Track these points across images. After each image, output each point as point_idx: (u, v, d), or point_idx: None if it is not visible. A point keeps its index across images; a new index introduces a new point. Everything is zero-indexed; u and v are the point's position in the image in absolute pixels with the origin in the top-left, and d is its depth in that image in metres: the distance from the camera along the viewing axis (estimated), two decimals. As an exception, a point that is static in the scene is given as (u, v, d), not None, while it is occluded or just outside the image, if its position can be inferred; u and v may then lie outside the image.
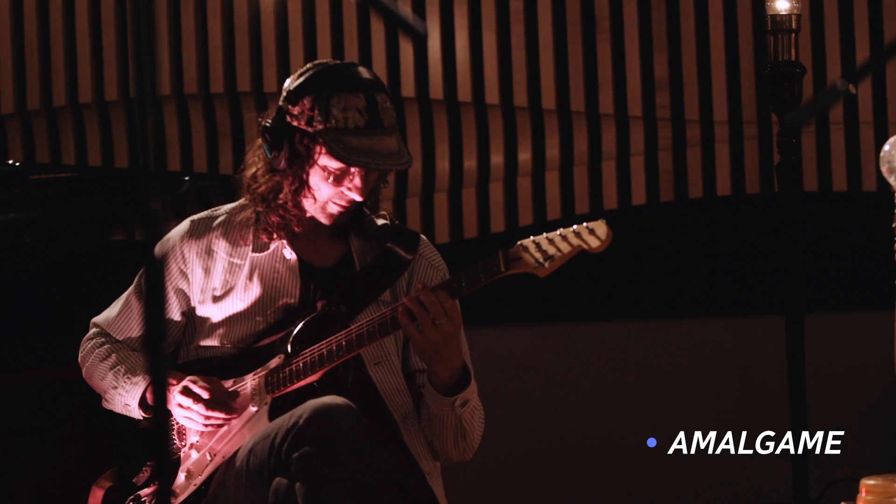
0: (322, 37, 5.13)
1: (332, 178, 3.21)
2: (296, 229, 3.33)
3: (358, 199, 3.24)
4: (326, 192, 3.24)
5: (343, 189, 3.22)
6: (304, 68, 3.27)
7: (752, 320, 5.04)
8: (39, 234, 4.47)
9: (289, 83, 3.26)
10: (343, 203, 3.25)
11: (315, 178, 3.23)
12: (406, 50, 5.09)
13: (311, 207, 3.28)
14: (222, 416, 3.24)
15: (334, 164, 3.19)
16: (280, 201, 3.27)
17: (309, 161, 3.21)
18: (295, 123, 3.21)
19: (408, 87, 5.11)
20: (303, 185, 3.24)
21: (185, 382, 3.25)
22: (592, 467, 5.06)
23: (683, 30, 5.06)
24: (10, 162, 4.90)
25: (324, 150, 3.18)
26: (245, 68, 5.15)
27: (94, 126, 5.23)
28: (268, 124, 3.25)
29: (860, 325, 4.98)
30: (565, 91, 5.09)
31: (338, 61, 3.29)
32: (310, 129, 3.18)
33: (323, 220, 3.29)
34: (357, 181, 3.21)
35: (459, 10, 5.09)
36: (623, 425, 5.06)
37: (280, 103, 3.25)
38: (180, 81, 5.17)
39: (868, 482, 3.53)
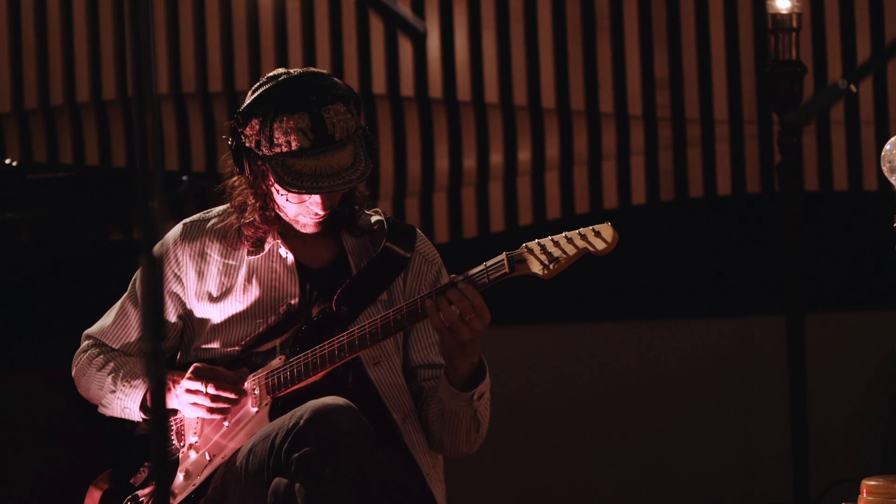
0: (320, 35, 5.12)
1: (292, 198, 3.21)
2: (286, 229, 3.32)
3: (321, 213, 3.23)
4: (292, 209, 3.25)
5: (307, 205, 3.22)
6: (257, 83, 3.25)
7: (753, 320, 5.03)
8: (37, 234, 4.46)
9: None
10: (311, 218, 3.25)
11: (279, 198, 3.24)
12: (405, 49, 5.07)
13: (286, 218, 3.28)
14: (231, 396, 3.23)
15: (287, 192, 3.19)
16: (247, 219, 3.28)
17: (266, 182, 3.22)
18: (248, 145, 3.21)
19: (407, 87, 5.10)
20: (267, 203, 3.25)
21: (194, 366, 3.24)
22: (592, 467, 5.05)
23: (683, 29, 5.05)
24: (8, 161, 4.89)
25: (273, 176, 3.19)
26: (243, 67, 5.14)
27: (92, 125, 5.22)
28: (230, 143, 3.25)
29: (861, 325, 4.97)
30: (565, 90, 5.07)
31: (291, 72, 3.25)
32: (259, 153, 3.19)
33: (300, 229, 3.28)
34: (316, 198, 3.21)
35: (459, 9, 5.08)
36: (623, 425, 5.05)
37: (234, 122, 3.24)
38: (178, 80, 5.16)
39: (869, 483, 3.52)
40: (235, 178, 3.30)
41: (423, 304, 3.07)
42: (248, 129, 3.19)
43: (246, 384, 3.27)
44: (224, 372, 3.26)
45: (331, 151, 3.15)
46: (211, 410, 3.25)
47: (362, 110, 3.29)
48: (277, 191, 3.21)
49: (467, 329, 3.05)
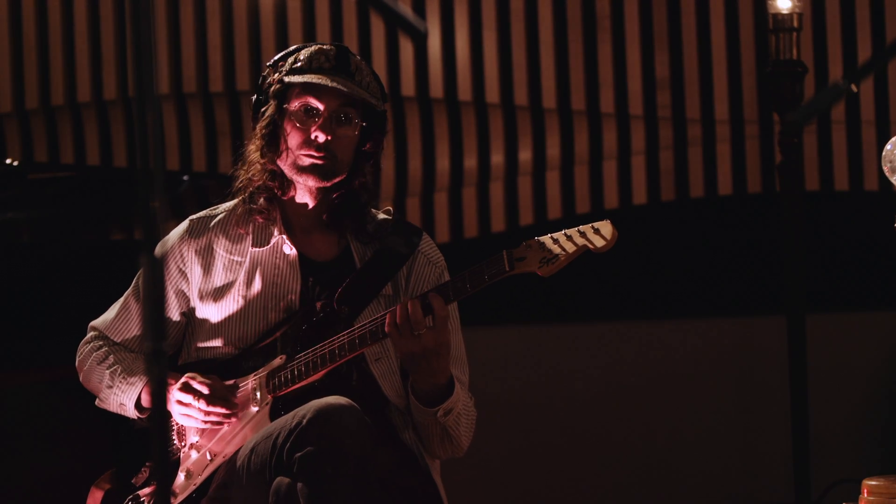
0: (321, 35, 5.12)
1: (298, 122, 3.22)
2: (292, 220, 3.31)
3: (322, 140, 3.22)
4: (295, 140, 3.23)
5: (311, 133, 3.22)
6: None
7: (754, 320, 5.03)
8: (38, 234, 4.46)
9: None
10: (313, 152, 3.23)
11: (287, 127, 3.24)
12: (406, 49, 5.08)
13: (287, 170, 3.27)
14: (222, 411, 3.23)
15: (296, 103, 3.22)
16: (247, 177, 3.29)
17: (277, 111, 3.24)
18: (269, 80, 3.27)
19: (408, 86, 5.10)
20: (274, 138, 3.25)
21: (184, 379, 3.24)
22: (592, 467, 5.05)
23: (684, 28, 5.05)
24: (9, 161, 4.89)
25: (287, 90, 3.23)
26: (244, 67, 5.14)
27: (93, 125, 5.22)
28: (253, 100, 3.31)
29: (861, 325, 4.97)
30: (566, 90, 5.08)
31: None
32: (277, 81, 3.25)
33: (300, 181, 3.26)
34: (319, 120, 3.21)
35: (460, 9, 5.08)
36: (623, 425, 5.05)
37: (263, 74, 3.31)
38: (179, 80, 5.16)
39: (870, 483, 3.52)
40: (247, 154, 3.32)
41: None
42: (275, 74, 3.26)
43: (247, 384, 3.27)
44: (215, 385, 3.25)
45: (345, 78, 3.21)
46: (204, 422, 3.25)
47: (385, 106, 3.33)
48: (288, 113, 3.22)
49: (415, 342, 3.06)
